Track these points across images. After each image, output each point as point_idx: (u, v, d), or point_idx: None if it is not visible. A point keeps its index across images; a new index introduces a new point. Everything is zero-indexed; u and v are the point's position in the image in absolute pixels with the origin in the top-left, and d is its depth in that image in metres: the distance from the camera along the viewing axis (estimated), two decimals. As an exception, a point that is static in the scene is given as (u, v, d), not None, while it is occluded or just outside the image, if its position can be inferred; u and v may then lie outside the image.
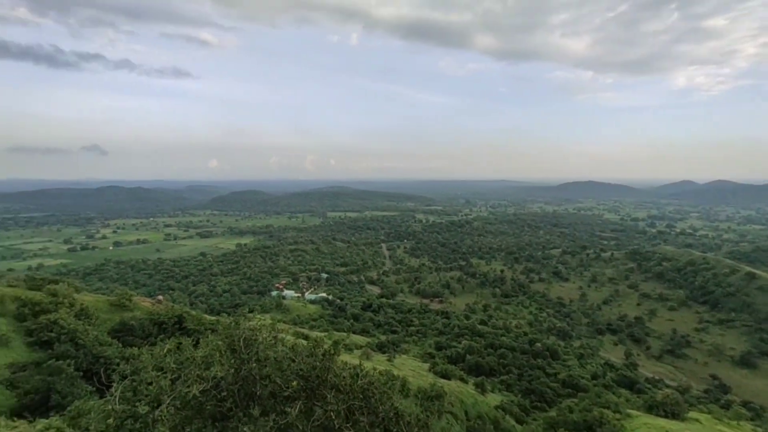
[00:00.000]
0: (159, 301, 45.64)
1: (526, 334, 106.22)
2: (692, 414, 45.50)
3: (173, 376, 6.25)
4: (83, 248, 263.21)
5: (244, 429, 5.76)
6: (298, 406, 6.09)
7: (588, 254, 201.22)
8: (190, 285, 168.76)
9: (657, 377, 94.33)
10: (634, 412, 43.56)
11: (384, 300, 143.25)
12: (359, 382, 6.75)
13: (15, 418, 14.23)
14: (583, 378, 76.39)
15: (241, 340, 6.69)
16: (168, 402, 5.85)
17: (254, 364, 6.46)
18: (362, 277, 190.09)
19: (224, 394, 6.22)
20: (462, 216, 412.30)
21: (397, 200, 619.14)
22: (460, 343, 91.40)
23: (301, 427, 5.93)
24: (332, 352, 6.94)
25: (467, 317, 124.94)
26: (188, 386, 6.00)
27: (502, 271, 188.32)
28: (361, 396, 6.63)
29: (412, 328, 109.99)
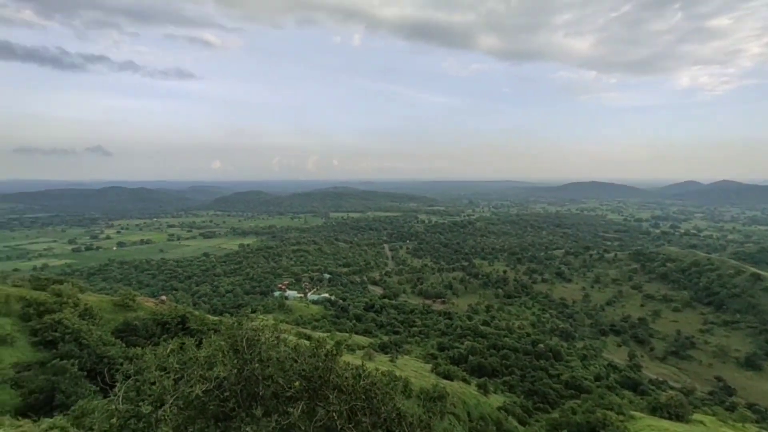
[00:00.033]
0: (162, 302, 45.81)
1: (528, 335, 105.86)
2: (696, 416, 45.25)
3: (176, 376, 6.27)
4: (87, 248, 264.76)
5: (247, 429, 5.77)
6: (300, 407, 6.10)
7: (591, 255, 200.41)
8: (193, 285, 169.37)
9: (661, 379, 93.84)
10: (637, 414, 43.35)
11: (386, 301, 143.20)
12: (362, 382, 6.75)
13: (20, 417, 14.30)
14: (586, 379, 76.01)
15: (244, 340, 6.70)
16: (171, 402, 5.87)
17: (257, 365, 6.47)
18: (365, 278, 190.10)
19: (227, 394, 6.23)
20: (465, 216, 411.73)
21: (400, 201, 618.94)
22: (462, 343, 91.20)
23: (303, 428, 5.93)
24: (335, 352, 6.94)
25: (470, 318, 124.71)
26: (191, 386, 6.01)
27: (504, 271, 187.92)
28: (363, 396, 6.63)
29: (415, 328, 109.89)
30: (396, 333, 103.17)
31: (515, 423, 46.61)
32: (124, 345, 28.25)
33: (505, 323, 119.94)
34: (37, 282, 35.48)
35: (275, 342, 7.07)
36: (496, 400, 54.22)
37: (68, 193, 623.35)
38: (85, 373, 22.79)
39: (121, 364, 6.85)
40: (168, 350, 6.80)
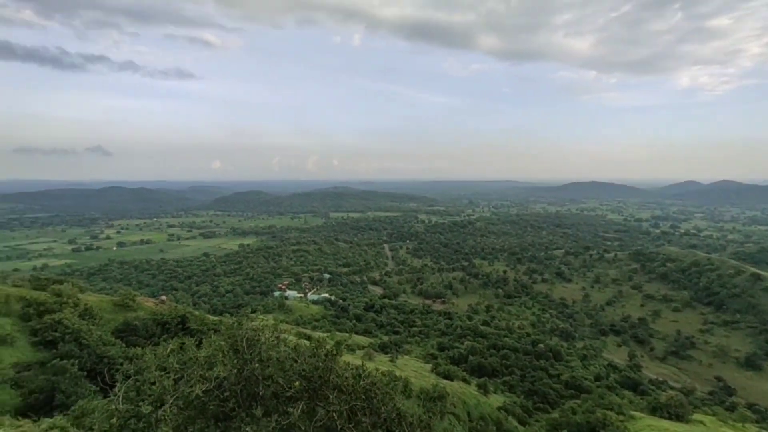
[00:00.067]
0: (162, 302, 45.80)
1: (528, 335, 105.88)
2: (696, 416, 45.26)
3: (176, 376, 6.27)
4: (87, 248, 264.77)
5: (247, 429, 5.77)
6: (300, 407, 6.10)
7: (591, 255, 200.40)
8: (193, 285, 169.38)
9: (661, 379, 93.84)
10: (637, 414, 43.36)
11: (386, 300, 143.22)
12: (361, 382, 6.75)
13: (20, 417, 14.31)
14: (586, 379, 76.02)
15: (244, 340, 6.71)
16: (171, 402, 5.87)
17: (257, 365, 6.47)
18: (365, 278, 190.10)
19: (227, 394, 6.23)
20: (465, 216, 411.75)
21: (400, 201, 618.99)
22: (462, 343, 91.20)
23: (303, 428, 5.93)
24: (335, 352, 6.94)
25: (470, 318, 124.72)
26: (191, 386, 6.01)
27: (504, 271, 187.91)
28: (363, 397, 6.63)
29: (415, 328, 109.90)
30: (396, 333, 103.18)
31: (515, 423, 46.61)
32: (124, 345, 28.25)
33: (505, 323, 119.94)
34: (37, 282, 35.49)
35: (275, 342, 7.07)
36: (496, 400, 54.22)
37: (68, 193, 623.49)
38: (85, 373, 22.80)
39: (121, 364, 6.85)
40: (168, 350, 6.80)
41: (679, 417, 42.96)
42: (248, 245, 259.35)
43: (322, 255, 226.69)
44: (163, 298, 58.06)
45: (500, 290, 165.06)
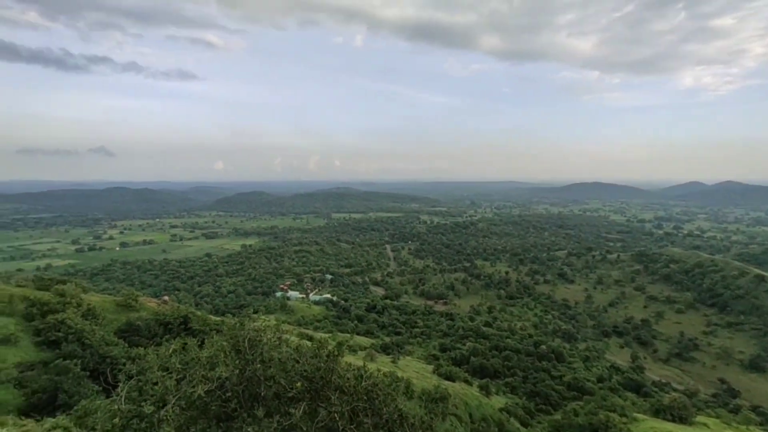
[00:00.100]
0: (165, 302, 45.88)
1: (531, 336, 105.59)
2: (700, 418, 44.97)
3: (178, 377, 6.28)
4: (90, 249, 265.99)
5: (249, 430, 5.77)
6: (302, 408, 6.10)
7: (594, 256, 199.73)
8: (196, 286, 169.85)
9: (664, 381, 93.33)
10: (640, 416, 43.13)
11: (388, 301, 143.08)
12: (363, 383, 6.74)
13: (23, 417, 14.37)
14: (588, 381, 75.71)
15: (246, 340, 6.72)
16: (173, 402, 5.89)
17: (259, 365, 6.48)
18: (366, 279, 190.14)
19: (229, 394, 6.24)
20: (467, 217, 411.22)
21: (402, 201, 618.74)
22: (464, 344, 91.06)
23: (305, 429, 5.93)
24: (336, 353, 6.94)
25: (472, 319, 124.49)
26: (193, 386, 6.03)
27: (506, 272, 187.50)
28: (365, 397, 6.63)
29: (417, 329, 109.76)
30: (398, 334, 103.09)
31: (517, 424, 46.49)
32: (126, 345, 28.29)
33: (507, 324, 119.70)
34: (41, 282, 35.63)
35: (277, 342, 7.08)
36: (498, 401, 54.10)
37: (71, 194, 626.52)
38: (88, 373, 22.84)
39: (124, 364, 6.86)
40: (170, 350, 6.82)
41: (682, 419, 42.72)
42: (250, 246, 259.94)
43: (324, 256, 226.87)
44: (166, 298, 58.15)
45: (502, 291, 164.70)
